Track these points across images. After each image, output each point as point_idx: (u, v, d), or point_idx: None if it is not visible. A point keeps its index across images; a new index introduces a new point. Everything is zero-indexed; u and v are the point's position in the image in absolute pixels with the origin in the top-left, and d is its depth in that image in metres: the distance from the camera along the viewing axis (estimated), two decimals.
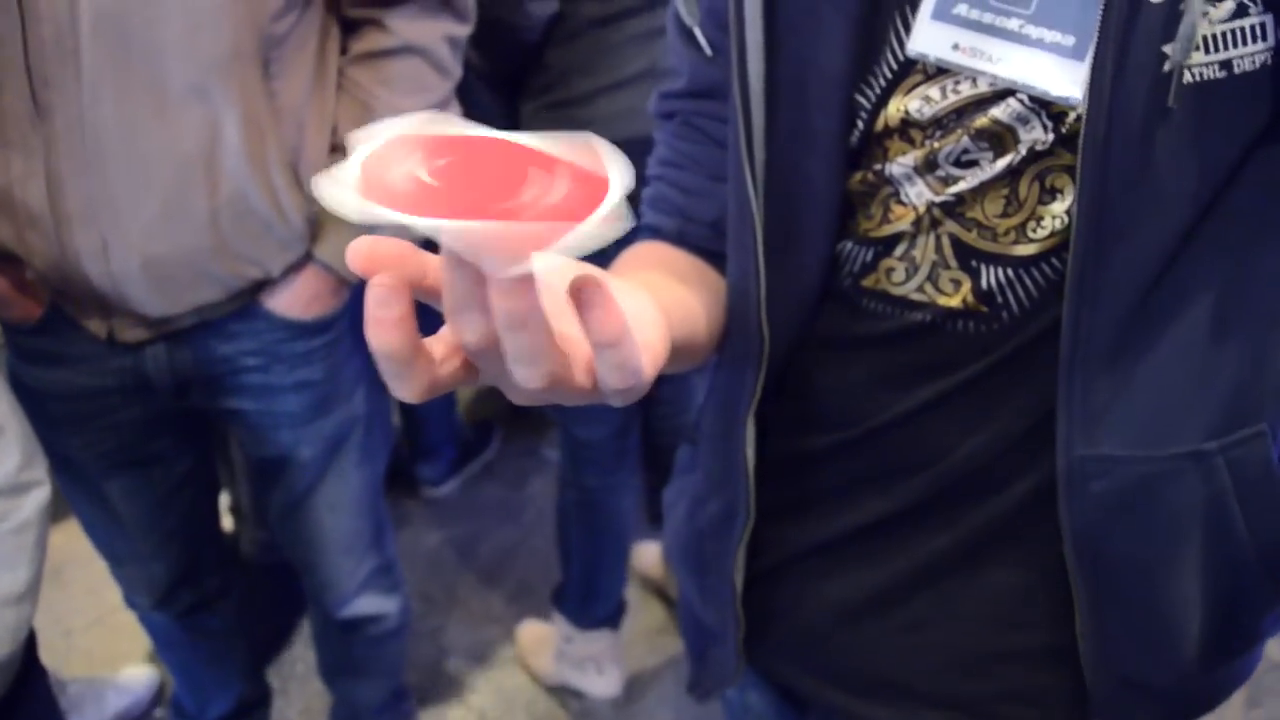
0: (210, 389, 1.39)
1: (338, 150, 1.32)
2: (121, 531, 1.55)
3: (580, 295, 0.44)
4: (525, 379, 0.46)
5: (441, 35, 1.32)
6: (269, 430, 1.46)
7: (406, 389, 0.47)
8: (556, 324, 0.46)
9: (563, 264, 0.49)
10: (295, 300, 1.35)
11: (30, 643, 1.21)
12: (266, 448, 1.49)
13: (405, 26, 1.29)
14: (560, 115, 1.70)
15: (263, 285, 1.33)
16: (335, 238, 1.34)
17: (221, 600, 1.73)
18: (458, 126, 0.44)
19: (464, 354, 0.48)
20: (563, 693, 2.20)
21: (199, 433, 1.57)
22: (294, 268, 1.33)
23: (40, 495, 1.18)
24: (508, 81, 1.76)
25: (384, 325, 0.44)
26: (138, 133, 1.17)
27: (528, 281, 0.42)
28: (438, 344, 0.48)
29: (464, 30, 1.36)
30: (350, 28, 1.32)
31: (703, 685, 0.98)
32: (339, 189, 0.40)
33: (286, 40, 1.23)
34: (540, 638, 2.27)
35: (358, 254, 0.43)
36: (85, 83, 1.13)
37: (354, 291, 1.42)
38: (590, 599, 2.14)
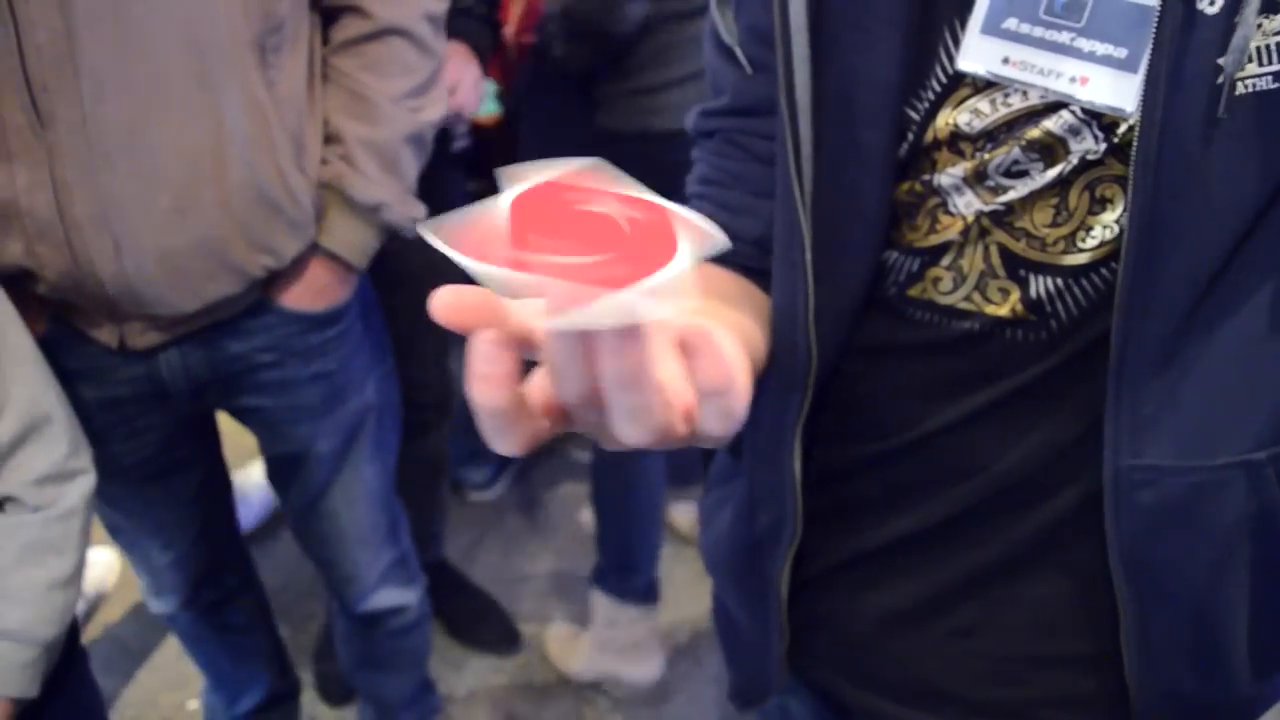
0: (227, 389, 1.40)
1: (333, 140, 1.33)
2: (143, 538, 1.56)
3: (688, 344, 0.43)
4: (630, 436, 0.45)
5: (420, 13, 1.33)
6: (288, 425, 1.47)
7: (509, 444, 0.46)
8: (661, 371, 0.44)
9: (668, 312, 0.50)
10: (305, 292, 1.36)
11: (73, 625, 1.24)
12: (285, 443, 1.50)
13: (382, 9, 1.31)
14: (633, 103, 1.83)
15: (274, 279, 1.34)
16: (341, 227, 1.35)
17: (243, 595, 1.75)
18: (598, 180, 0.44)
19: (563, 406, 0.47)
20: (591, 691, 2.20)
21: (211, 432, 1.58)
22: (302, 259, 1.35)
23: (85, 483, 1.21)
24: (588, 71, 1.87)
25: (490, 382, 0.43)
26: (142, 129, 1.17)
27: (637, 340, 0.41)
28: (536, 394, 0.47)
29: (442, 6, 1.37)
30: (330, 18, 1.34)
31: (745, 695, 0.97)
32: (454, 250, 0.40)
33: (283, 28, 1.24)
34: (570, 637, 2.28)
35: (442, 304, 0.42)
36: (85, 84, 1.13)
37: (361, 281, 1.44)
38: (628, 570, 2.16)
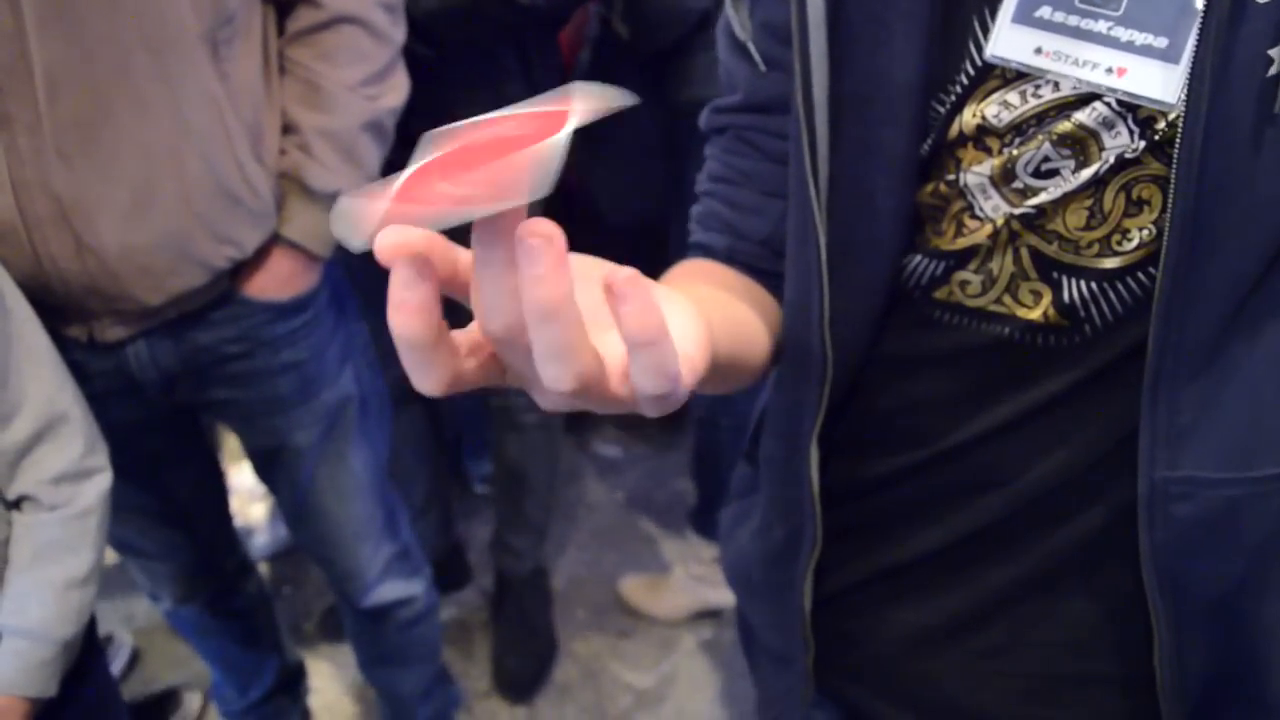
0: (197, 381, 1.41)
1: (290, 131, 1.34)
2: (136, 532, 1.58)
3: (615, 289, 0.42)
4: (554, 379, 0.43)
5: (374, 1, 1.34)
6: (262, 418, 1.48)
7: (428, 380, 0.45)
8: (591, 324, 0.44)
9: (597, 262, 0.48)
10: (269, 281, 1.37)
11: (91, 624, 1.26)
12: (261, 436, 1.51)
13: None
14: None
15: (239, 269, 1.35)
16: (301, 216, 1.35)
17: (242, 579, 1.77)
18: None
19: (491, 348, 0.46)
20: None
21: (195, 426, 1.60)
22: (265, 249, 1.35)
23: (102, 481, 1.23)
24: (656, 61, 1.90)
25: (406, 309, 0.42)
26: (98, 126, 1.18)
27: (560, 269, 0.40)
28: (464, 337, 0.47)
29: None
30: (284, 9, 1.34)
31: (771, 709, 0.95)
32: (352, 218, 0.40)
33: (234, 19, 1.25)
34: (651, 585, 2.36)
35: (384, 246, 0.41)
36: (40, 85, 1.14)
37: (328, 269, 1.44)
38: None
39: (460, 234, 0.41)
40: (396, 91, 1.39)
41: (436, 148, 0.42)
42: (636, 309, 0.42)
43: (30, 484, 1.17)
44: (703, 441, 2.29)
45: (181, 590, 1.69)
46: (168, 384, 1.40)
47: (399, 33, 1.39)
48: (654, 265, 0.63)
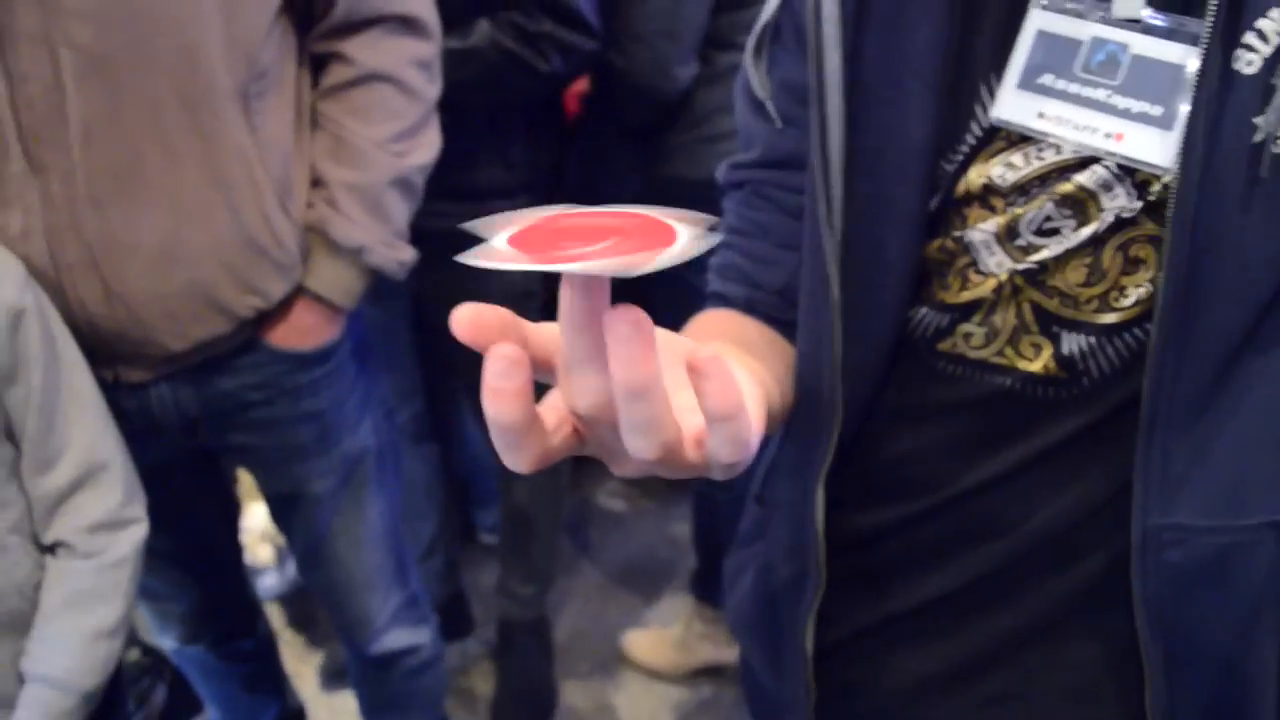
0: (217, 426, 1.43)
1: (318, 184, 1.36)
2: (148, 571, 1.58)
3: (699, 367, 0.44)
4: (639, 449, 0.46)
5: (406, 58, 1.36)
6: (279, 464, 1.49)
7: (520, 460, 0.47)
8: (673, 394, 0.46)
9: (678, 338, 0.50)
10: (292, 332, 1.39)
11: (117, 674, 1.26)
12: (279, 483, 1.53)
13: (366, 55, 1.34)
14: (699, 150, 1.88)
15: (262, 318, 1.37)
16: (326, 269, 1.38)
17: (250, 622, 1.78)
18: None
19: (574, 422, 0.48)
20: None
21: (212, 469, 1.61)
22: (289, 300, 1.38)
23: (137, 532, 1.23)
24: (642, 130, 1.92)
25: (504, 397, 0.44)
26: (132, 177, 1.21)
27: (649, 351, 0.42)
28: (549, 412, 0.48)
29: (429, 49, 1.39)
30: (319, 64, 1.37)
31: None
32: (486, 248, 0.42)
33: (266, 75, 1.28)
34: (654, 640, 2.36)
35: (461, 321, 0.43)
36: (75, 135, 1.18)
37: (351, 320, 1.46)
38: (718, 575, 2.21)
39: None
40: (427, 149, 1.42)
41: (498, 227, 0.44)
42: (718, 386, 0.44)
43: (67, 530, 1.18)
44: (701, 514, 2.30)
45: (189, 630, 1.70)
46: (189, 427, 1.41)
47: (433, 90, 1.42)
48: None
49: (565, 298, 0.43)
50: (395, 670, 1.77)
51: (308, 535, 1.59)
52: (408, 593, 1.72)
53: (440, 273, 1.86)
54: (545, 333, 0.48)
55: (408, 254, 1.42)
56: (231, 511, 1.71)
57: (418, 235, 1.45)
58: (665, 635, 2.37)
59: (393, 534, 1.66)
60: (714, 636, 2.29)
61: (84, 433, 1.19)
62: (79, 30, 1.16)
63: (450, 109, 1.51)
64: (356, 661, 1.79)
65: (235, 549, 1.75)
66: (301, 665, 2.37)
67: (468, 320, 0.43)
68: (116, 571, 1.20)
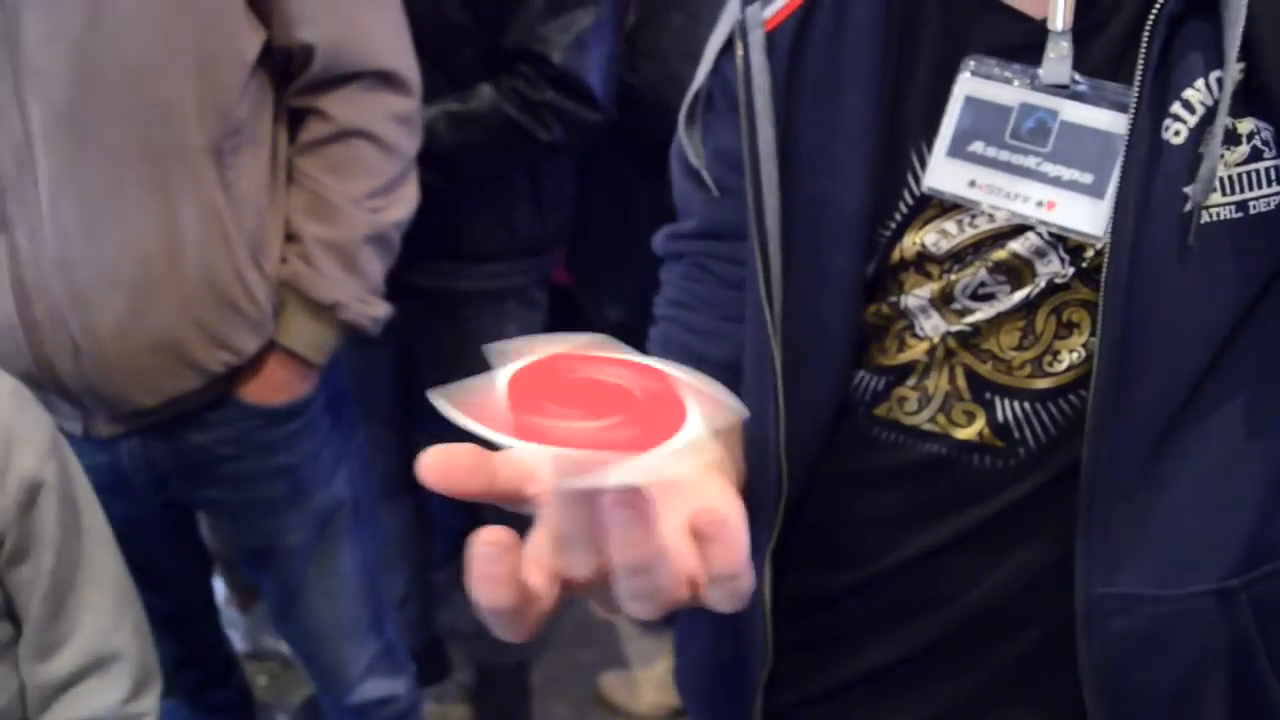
0: (188, 480, 1.42)
1: (292, 239, 1.36)
2: None
3: (702, 531, 0.44)
4: (638, 613, 0.45)
5: (384, 114, 1.37)
6: (250, 519, 1.49)
7: (514, 633, 0.46)
8: (673, 555, 0.45)
9: (683, 488, 0.50)
10: (264, 388, 1.39)
11: None
12: (250, 537, 1.53)
13: (344, 111, 1.34)
14: None
15: (235, 373, 1.37)
16: (299, 326, 1.38)
17: (226, 674, 1.76)
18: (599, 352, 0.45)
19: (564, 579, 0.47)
20: None
21: (185, 523, 1.61)
22: (262, 355, 1.37)
23: None
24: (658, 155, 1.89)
25: (493, 583, 0.43)
26: (99, 233, 1.22)
27: (650, 530, 0.41)
28: (536, 571, 0.47)
29: (408, 104, 1.39)
30: (296, 119, 1.38)
31: None
32: (465, 417, 0.41)
33: (241, 130, 1.29)
34: (631, 680, 2.33)
35: (431, 469, 0.43)
36: (44, 190, 1.18)
37: (326, 372, 1.46)
38: None
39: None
40: (404, 205, 1.42)
41: (511, 360, 0.43)
42: (723, 550, 0.44)
43: None
44: None
45: (163, 684, 1.68)
46: (159, 482, 1.41)
47: (411, 145, 1.42)
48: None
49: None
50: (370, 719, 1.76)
51: (282, 588, 1.58)
52: (384, 642, 1.71)
53: (435, 330, 1.87)
54: (514, 464, 0.47)
55: (382, 310, 1.41)
56: (205, 565, 1.70)
57: (414, 290, 1.44)
58: (642, 676, 2.36)
59: (369, 585, 1.66)
60: None
61: (96, 618, 1.11)
62: (50, 86, 1.16)
63: (447, 173, 1.51)
64: (333, 712, 1.78)
65: (209, 602, 1.75)
66: (276, 716, 2.34)
67: (438, 467, 0.43)
68: None
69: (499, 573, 0.43)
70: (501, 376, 0.42)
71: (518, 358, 0.43)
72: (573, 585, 0.48)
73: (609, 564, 0.43)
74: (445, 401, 0.41)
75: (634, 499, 0.41)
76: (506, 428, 0.40)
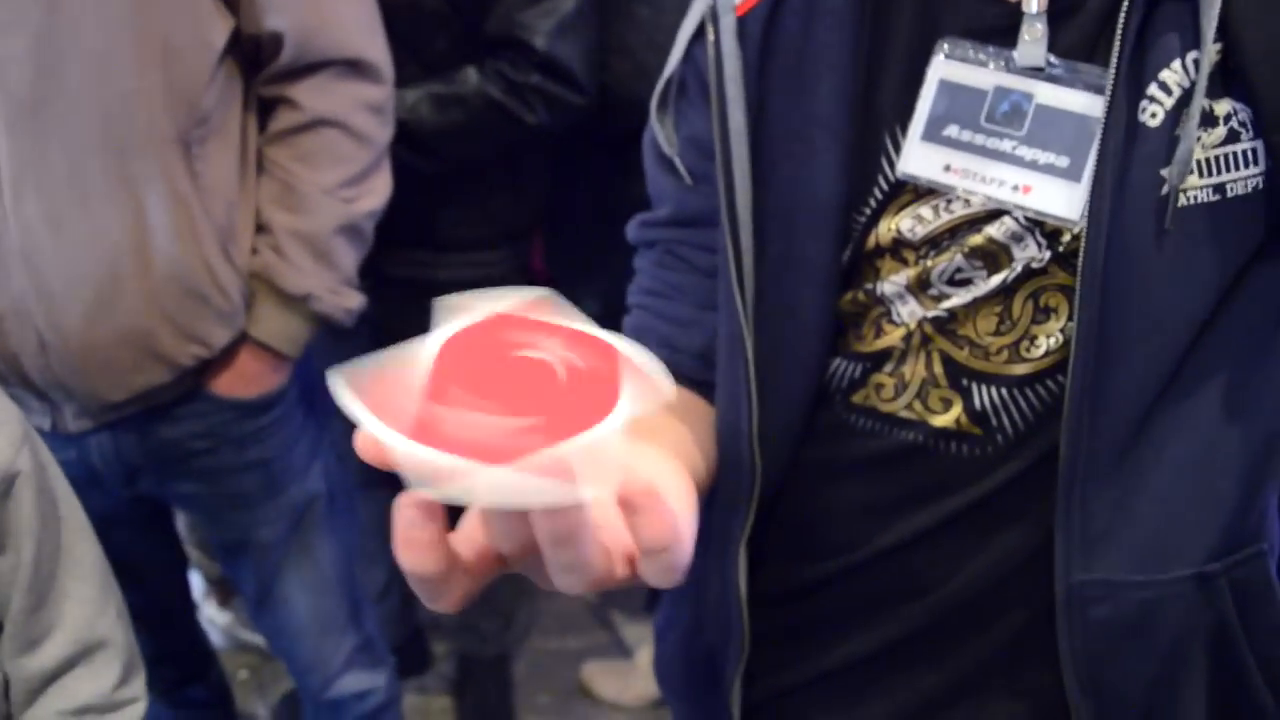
0: (159, 474, 1.41)
1: (263, 230, 1.35)
2: None
3: (631, 501, 0.43)
4: (566, 586, 0.45)
5: (356, 103, 1.35)
6: (224, 512, 1.48)
7: (441, 603, 0.46)
8: (601, 530, 0.45)
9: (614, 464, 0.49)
10: (236, 380, 1.37)
11: None
12: (224, 531, 1.52)
13: (314, 100, 1.33)
14: None
15: (206, 366, 1.35)
16: (270, 317, 1.36)
17: (203, 670, 1.75)
18: (544, 314, 0.43)
19: (495, 554, 0.47)
20: None
21: (157, 517, 1.59)
22: (233, 347, 1.36)
23: (134, 712, 1.13)
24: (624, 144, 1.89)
25: (416, 547, 0.43)
26: (64, 225, 1.20)
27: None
28: (466, 546, 0.47)
29: (380, 93, 1.38)
30: (266, 108, 1.36)
31: None
32: (357, 403, 0.39)
33: (209, 120, 1.27)
34: (615, 670, 2.32)
35: (367, 447, 0.41)
36: (7, 183, 1.17)
37: (298, 366, 1.44)
38: None
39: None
40: (376, 194, 1.40)
41: (454, 319, 0.42)
42: (651, 521, 0.43)
43: (49, 714, 1.06)
44: None
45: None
46: (130, 477, 1.40)
47: (384, 134, 1.40)
48: None
49: None
50: (351, 713, 1.74)
51: (258, 582, 1.57)
52: (363, 636, 1.70)
53: (413, 319, 1.85)
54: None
55: (355, 301, 1.40)
56: (181, 559, 1.69)
57: (391, 280, 1.43)
58: (625, 667, 2.35)
59: (346, 578, 1.64)
60: None
61: (80, 608, 1.08)
62: (14, 75, 1.14)
63: (430, 155, 1.50)
64: (312, 706, 1.77)
65: (186, 597, 1.74)
66: (257, 710, 2.33)
67: (372, 441, 0.41)
68: None
69: (422, 537, 0.43)
70: (433, 342, 0.41)
71: (463, 314, 0.42)
72: (505, 559, 0.47)
73: (536, 534, 0.43)
74: (343, 385, 0.39)
75: (555, 469, 0.39)
76: (401, 421, 0.38)
